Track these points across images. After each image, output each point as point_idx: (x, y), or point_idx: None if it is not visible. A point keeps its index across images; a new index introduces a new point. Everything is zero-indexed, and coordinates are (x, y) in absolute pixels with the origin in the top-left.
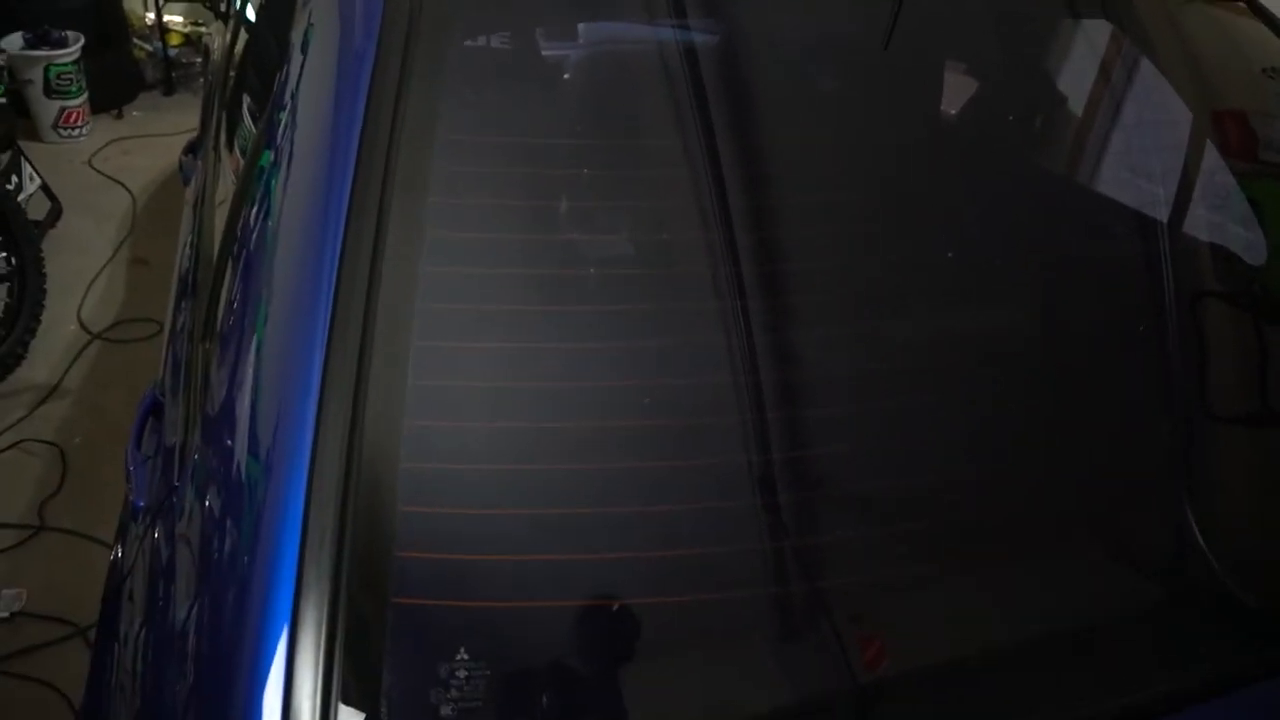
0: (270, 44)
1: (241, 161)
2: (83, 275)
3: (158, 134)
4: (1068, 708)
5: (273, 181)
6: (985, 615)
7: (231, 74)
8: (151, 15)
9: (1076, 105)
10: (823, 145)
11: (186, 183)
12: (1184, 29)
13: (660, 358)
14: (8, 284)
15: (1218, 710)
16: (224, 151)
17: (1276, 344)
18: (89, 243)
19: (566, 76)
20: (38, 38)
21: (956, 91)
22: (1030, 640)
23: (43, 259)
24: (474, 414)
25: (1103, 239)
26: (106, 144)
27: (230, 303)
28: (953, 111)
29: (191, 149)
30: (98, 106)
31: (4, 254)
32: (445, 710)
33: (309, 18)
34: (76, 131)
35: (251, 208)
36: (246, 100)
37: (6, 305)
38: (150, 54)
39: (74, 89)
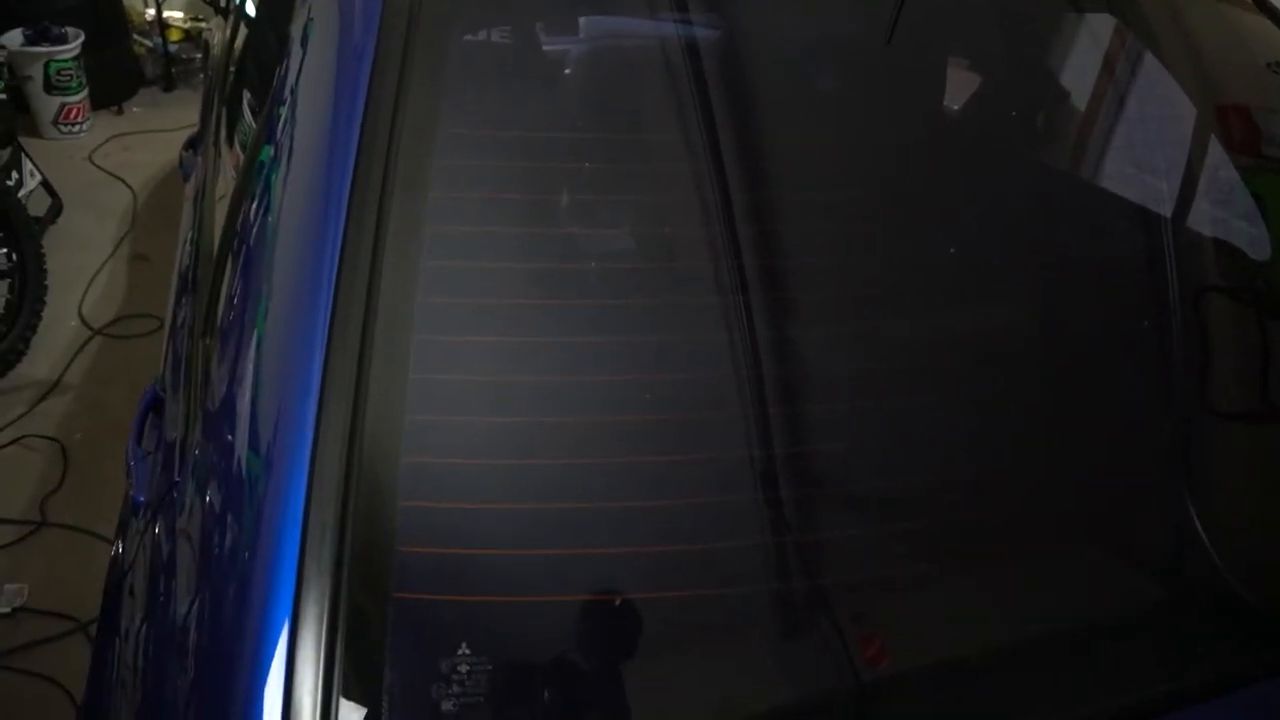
0: (270, 39)
1: (242, 157)
2: (84, 271)
3: (158, 130)
4: (1068, 707)
5: (273, 177)
6: (985, 614)
7: (231, 69)
8: (151, 11)
9: (1080, 101)
10: (824, 141)
11: (186, 178)
12: (1188, 24)
13: (661, 353)
14: (9, 280)
15: (1218, 710)
16: (224, 147)
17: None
18: (90, 239)
19: (567, 71)
20: (38, 34)
21: (959, 88)
22: (1030, 639)
23: (43, 255)
24: (474, 409)
25: (1105, 236)
26: (107, 140)
27: (231, 298)
28: (955, 108)
29: (192, 144)
30: (98, 102)
31: (5, 250)
32: (446, 705)
33: (309, 12)
34: (77, 127)
35: (252, 203)
36: (246, 96)
37: (7, 301)
38: (150, 50)
39: (74, 85)
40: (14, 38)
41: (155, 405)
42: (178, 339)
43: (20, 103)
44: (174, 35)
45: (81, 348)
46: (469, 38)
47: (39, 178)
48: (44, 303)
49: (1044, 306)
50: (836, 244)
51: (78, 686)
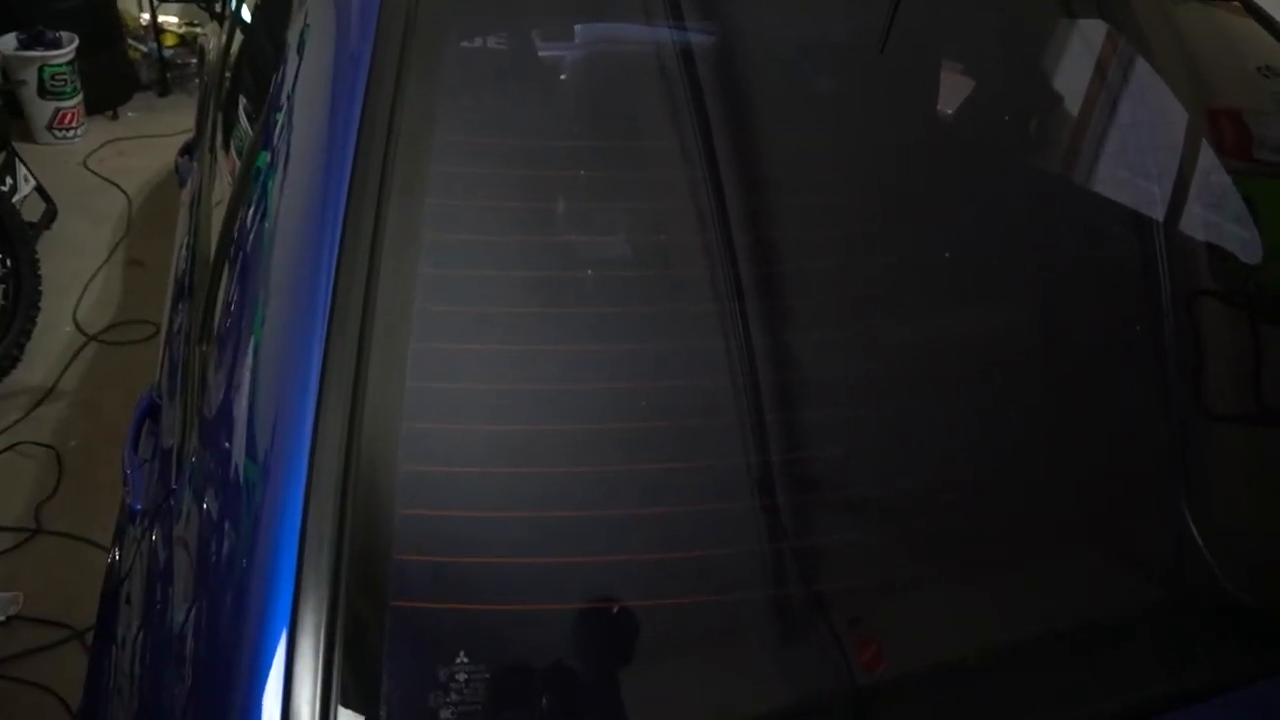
0: (266, 45)
1: (238, 163)
2: (78, 277)
3: (153, 135)
4: (1067, 709)
5: (269, 183)
6: (984, 617)
7: (227, 75)
8: (146, 16)
9: (1072, 105)
10: (820, 146)
11: (182, 184)
12: (1179, 28)
13: (658, 360)
14: (3, 286)
15: (1217, 710)
16: (220, 153)
17: (1273, 343)
18: (84, 244)
19: (563, 77)
20: (32, 38)
21: (953, 92)
22: (1029, 642)
23: (38, 261)
24: (472, 416)
25: (1099, 239)
26: (101, 145)
27: (227, 305)
28: (949, 112)
29: (187, 150)
30: (92, 108)
31: None
32: (444, 713)
33: (305, 18)
34: (71, 133)
35: (248, 209)
36: (242, 101)
37: (2, 308)
38: (145, 55)
39: (68, 90)
40: (8, 42)
41: (151, 412)
42: (174, 345)
43: (14, 107)
44: (169, 40)
45: (76, 354)
46: (465, 44)
47: (33, 183)
48: (38, 308)
49: (1037, 311)
50: (833, 249)
51: (73, 695)
